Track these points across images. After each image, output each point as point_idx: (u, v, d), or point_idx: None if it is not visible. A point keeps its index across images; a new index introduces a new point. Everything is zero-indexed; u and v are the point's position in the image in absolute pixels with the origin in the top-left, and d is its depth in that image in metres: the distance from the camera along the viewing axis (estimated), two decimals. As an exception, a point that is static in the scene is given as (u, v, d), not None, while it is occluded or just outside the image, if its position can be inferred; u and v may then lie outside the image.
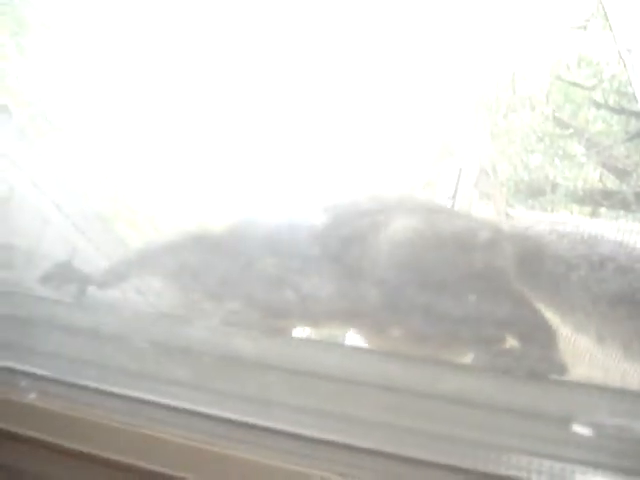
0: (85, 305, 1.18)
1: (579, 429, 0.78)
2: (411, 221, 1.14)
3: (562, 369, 1.01)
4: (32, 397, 1.01)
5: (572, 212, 2.63)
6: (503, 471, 0.78)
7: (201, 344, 1.02)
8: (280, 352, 1.01)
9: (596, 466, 0.75)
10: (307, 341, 1.22)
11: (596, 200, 2.62)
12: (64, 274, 1.22)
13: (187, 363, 1.00)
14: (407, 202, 1.28)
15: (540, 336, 1.06)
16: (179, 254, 1.22)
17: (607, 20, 2.74)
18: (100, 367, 1.03)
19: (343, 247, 1.13)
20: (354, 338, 1.24)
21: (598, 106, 2.69)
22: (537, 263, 1.13)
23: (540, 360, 1.01)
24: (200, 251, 1.21)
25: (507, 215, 2.58)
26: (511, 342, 1.05)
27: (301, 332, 1.27)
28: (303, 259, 1.13)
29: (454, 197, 2.57)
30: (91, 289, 1.21)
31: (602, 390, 0.87)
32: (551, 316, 1.09)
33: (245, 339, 1.04)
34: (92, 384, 1.01)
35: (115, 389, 0.99)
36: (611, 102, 2.67)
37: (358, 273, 1.10)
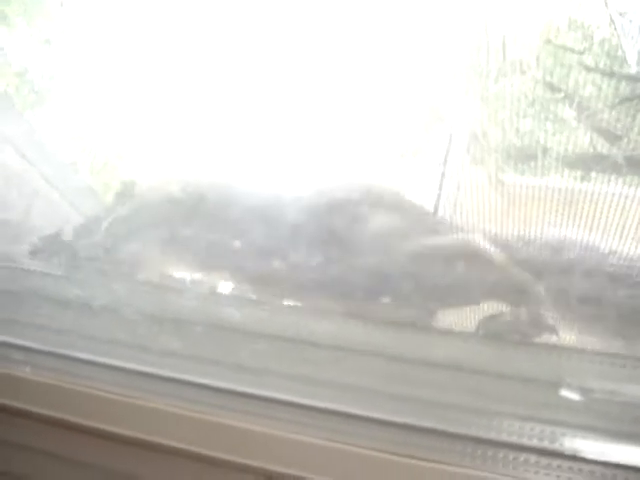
0: (75, 277, 1.18)
1: (569, 393, 0.79)
2: (390, 219, 1.17)
3: (552, 329, 1.02)
4: (26, 370, 1.01)
5: (563, 176, 2.63)
6: (494, 436, 0.79)
7: (192, 314, 1.03)
8: (271, 320, 1.02)
9: (586, 429, 0.76)
10: (298, 308, 1.22)
11: (587, 164, 2.62)
12: (52, 246, 1.22)
13: (178, 333, 1.00)
14: (391, 199, 1.30)
15: (527, 299, 1.07)
16: (167, 223, 1.22)
17: (598, -18, 2.72)
18: (92, 339, 1.03)
19: (329, 231, 1.15)
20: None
21: (589, 70, 2.68)
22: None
23: (530, 322, 1.02)
24: (189, 221, 1.21)
25: (500, 180, 2.58)
26: (499, 307, 1.06)
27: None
28: (292, 233, 1.14)
29: (445, 163, 2.56)
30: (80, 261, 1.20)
31: (591, 354, 0.88)
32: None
33: (236, 308, 1.04)
34: (85, 356, 1.01)
35: (108, 360, 0.99)
36: (602, 66, 2.66)
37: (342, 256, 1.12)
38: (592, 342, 1.03)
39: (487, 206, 1.63)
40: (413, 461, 0.78)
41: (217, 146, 2.15)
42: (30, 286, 1.17)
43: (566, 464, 0.75)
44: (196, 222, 1.22)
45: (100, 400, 0.94)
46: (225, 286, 1.19)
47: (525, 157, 2.73)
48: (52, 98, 2.46)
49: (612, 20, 2.47)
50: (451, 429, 0.80)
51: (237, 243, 1.17)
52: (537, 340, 0.99)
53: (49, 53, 2.50)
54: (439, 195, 2.31)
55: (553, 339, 0.99)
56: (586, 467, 0.74)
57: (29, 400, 0.97)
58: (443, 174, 2.41)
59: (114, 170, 2.44)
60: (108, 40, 2.38)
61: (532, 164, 2.68)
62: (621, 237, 1.28)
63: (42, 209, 1.62)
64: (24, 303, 1.13)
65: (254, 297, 1.17)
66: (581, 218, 1.39)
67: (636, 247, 1.24)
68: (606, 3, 2.46)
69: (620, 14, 2.43)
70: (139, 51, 2.35)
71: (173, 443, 0.88)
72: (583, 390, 0.79)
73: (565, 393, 0.79)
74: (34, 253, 1.23)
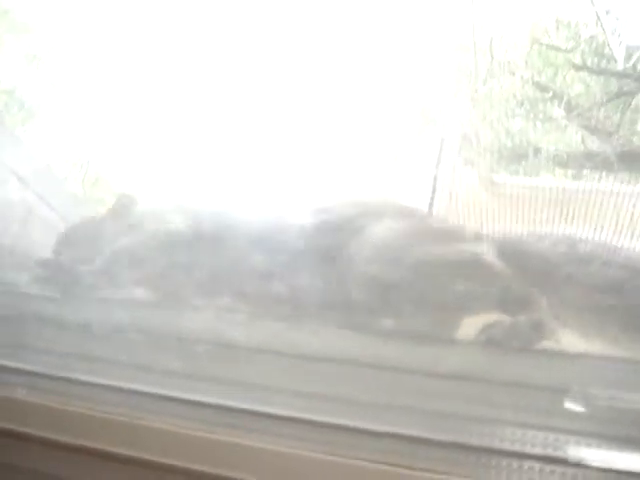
0: (74, 300, 1.18)
1: (572, 400, 0.79)
2: (391, 224, 1.18)
3: (552, 333, 1.03)
4: (24, 393, 1.01)
5: (555, 175, 2.63)
6: (497, 444, 0.79)
7: (193, 333, 1.03)
8: (275, 337, 1.02)
9: (589, 436, 0.76)
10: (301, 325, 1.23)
11: (579, 162, 2.62)
12: (52, 272, 1.22)
13: (180, 352, 1.00)
14: (387, 208, 1.31)
15: (527, 306, 1.07)
16: (168, 254, 1.23)
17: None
18: (92, 360, 1.03)
19: (328, 250, 1.16)
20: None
21: (577, 68, 2.69)
22: (522, 263, 1.15)
23: (530, 329, 1.03)
24: (189, 250, 1.22)
25: (491, 181, 2.58)
26: (499, 315, 1.06)
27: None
28: (291, 256, 1.15)
29: (437, 165, 2.56)
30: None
31: (594, 360, 0.88)
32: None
33: (238, 326, 1.04)
34: (84, 378, 1.01)
35: (108, 381, 0.99)
36: (590, 64, 2.67)
37: (343, 273, 1.13)
38: (595, 348, 1.03)
39: (479, 206, 1.63)
40: (415, 472, 0.77)
41: (209, 161, 2.15)
42: (28, 310, 1.17)
43: (570, 471, 0.75)
44: (197, 251, 1.23)
45: (101, 421, 0.93)
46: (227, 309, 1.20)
47: (516, 157, 2.73)
48: (42, 114, 2.46)
49: (599, 18, 2.48)
50: (454, 438, 0.80)
51: (238, 269, 1.18)
52: (539, 347, 0.99)
53: (38, 69, 2.50)
54: (432, 197, 2.31)
55: (555, 345, 0.99)
56: (590, 474, 0.74)
57: (29, 423, 0.97)
58: (436, 176, 2.42)
59: (107, 184, 2.44)
60: (98, 54, 2.38)
61: (524, 164, 2.68)
62: (614, 233, 1.28)
63: (36, 225, 1.61)
64: (22, 326, 1.13)
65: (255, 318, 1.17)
66: (574, 216, 1.40)
67: (630, 242, 1.25)
68: (592, 1, 2.47)
69: (606, 12, 2.44)
70: (130, 65, 2.34)
71: (176, 462, 0.88)
72: (587, 397, 0.79)
73: (568, 399, 0.79)
74: (35, 280, 1.23)
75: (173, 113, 2.27)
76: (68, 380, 1.00)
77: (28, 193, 1.66)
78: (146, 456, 0.89)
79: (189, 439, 0.87)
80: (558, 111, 2.62)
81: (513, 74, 2.55)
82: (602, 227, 1.27)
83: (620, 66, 2.56)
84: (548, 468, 0.76)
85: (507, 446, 0.79)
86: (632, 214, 1.36)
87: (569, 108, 2.59)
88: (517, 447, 0.78)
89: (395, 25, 2.43)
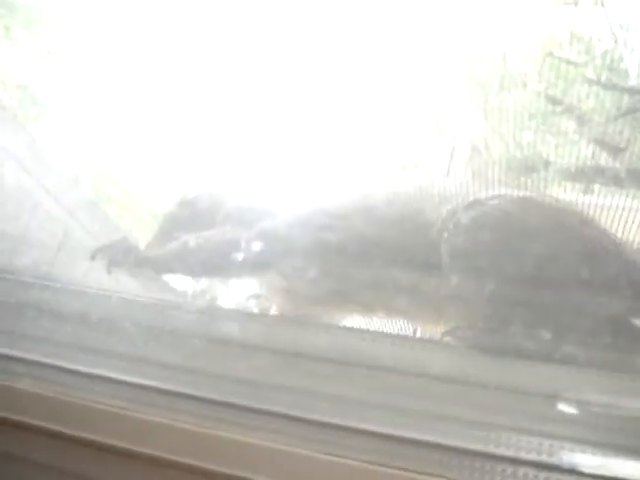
0: (74, 290, 1.18)
1: (567, 406, 0.79)
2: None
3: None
4: (26, 382, 1.01)
5: (565, 189, 2.62)
6: (492, 449, 0.78)
7: (190, 327, 1.03)
8: (269, 333, 1.02)
9: (584, 443, 0.75)
10: (296, 321, 1.22)
11: (589, 177, 2.61)
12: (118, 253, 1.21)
13: (176, 346, 1.00)
14: None
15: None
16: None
17: (599, -5, 2.73)
18: (91, 351, 1.03)
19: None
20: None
21: (590, 83, 2.68)
22: None
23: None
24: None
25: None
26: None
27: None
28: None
29: (447, 176, 2.56)
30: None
31: (588, 367, 0.88)
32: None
33: (234, 321, 1.04)
34: (84, 369, 1.01)
35: (107, 373, 0.99)
36: (603, 79, 2.66)
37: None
38: (590, 355, 1.03)
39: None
40: (409, 474, 0.77)
41: (218, 159, 2.15)
42: (29, 299, 1.17)
43: (565, 478, 0.74)
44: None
45: (100, 413, 0.93)
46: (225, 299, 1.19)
47: (527, 170, 2.73)
48: (54, 111, 2.47)
49: (613, 33, 2.48)
50: (448, 442, 0.79)
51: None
52: (531, 351, 0.99)
53: (51, 66, 2.51)
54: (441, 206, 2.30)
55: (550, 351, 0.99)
56: (584, 481, 0.73)
57: (28, 412, 0.97)
58: (445, 186, 2.41)
59: (116, 182, 2.45)
60: (110, 52, 2.39)
61: (534, 177, 2.68)
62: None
63: (43, 222, 1.62)
64: (23, 315, 1.13)
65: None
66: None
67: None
68: (607, 16, 2.47)
69: (621, 27, 2.44)
70: (140, 63, 2.36)
71: (173, 456, 0.88)
72: (581, 403, 0.78)
73: (563, 405, 0.79)
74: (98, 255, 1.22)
75: (184, 109, 2.28)
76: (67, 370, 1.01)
77: (36, 188, 1.67)
78: (142, 449, 0.89)
79: (184, 433, 0.87)
80: (570, 125, 2.61)
81: (526, 86, 2.55)
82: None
83: (633, 82, 2.55)
84: (543, 474, 0.75)
85: (502, 451, 0.78)
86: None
87: (581, 122, 2.58)
88: (512, 452, 0.78)
89: (408, 34, 2.43)
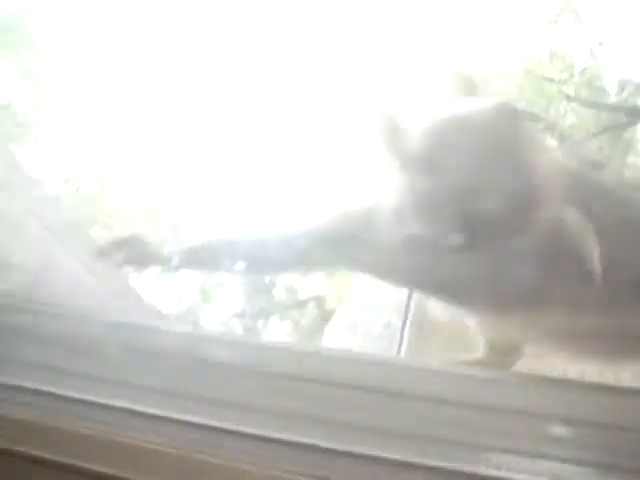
0: (56, 314, 1.16)
1: (558, 425, 0.78)
2: None
3: None
4: (5, 407, 0.99)
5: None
6: (482, 470, 0.78)
7: (176, 350, 1.02)
8: (257, 356, 1.01)
9: (577, 463, 0.75)
10: (283, 344, 1.21)
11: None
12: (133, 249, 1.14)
13: (162, 369, 0.99)
14: None
15: None
16: None
17: (577, 14, 2.76)
18: (73, 375, 1.02)
19: None
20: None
21: (570, 100, 2.71)
22: None
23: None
24: None
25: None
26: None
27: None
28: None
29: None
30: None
31: (580, 385, 0.87)
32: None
33: (220, 344, 1.03)
34: (67, 393, 0.99)
35: (89, 397, 0.98)
36: (583, 95, 2.69)
37: None
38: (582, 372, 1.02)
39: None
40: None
41: (204, 178, 2.15)
42: (10, 322, 1.15)
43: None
44: None
45: (87, 439, 0.92)
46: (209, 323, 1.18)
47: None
48: (36, 131, 2.46)
49: (592, 51, 2.51)
50: (439, 463, 0.79)
51: None
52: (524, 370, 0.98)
53: (33, 86, 2.50)
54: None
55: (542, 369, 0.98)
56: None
57: (6, 437, 0.95)
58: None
59: (98, 203, 2.44)
60: (92, 73, 2.39)
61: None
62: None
63: (24, 243, 1.60)
64: (8, 339, 1.11)
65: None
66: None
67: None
68: (586, 34, 2.50)
69: (600, 44, 2.47)
70: (123, 84, 2.35)
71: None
72: (573, 421, 0.78)
73: (555, 425, 0.78)
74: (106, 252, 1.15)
75: (166, 129, 2.28)
76: (49, 394, 0.99)
77: (17, 208, 1.65)
78: (123, 474, 0.88)
79: (168, 457, 0.86)
80: (551, 142, 2.63)
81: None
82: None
83: (612, 99, 2.58)
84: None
85: (492, 472, 0.78)
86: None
87: (561, 139, 2.61)
88: (503, 473, 0.77)
89: (389, 52, 2.45)
